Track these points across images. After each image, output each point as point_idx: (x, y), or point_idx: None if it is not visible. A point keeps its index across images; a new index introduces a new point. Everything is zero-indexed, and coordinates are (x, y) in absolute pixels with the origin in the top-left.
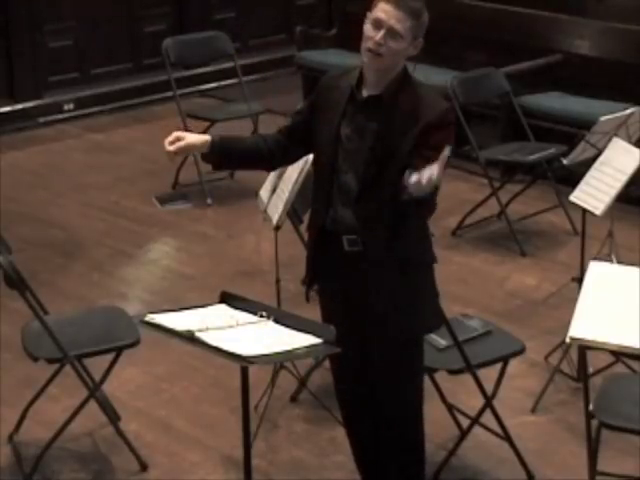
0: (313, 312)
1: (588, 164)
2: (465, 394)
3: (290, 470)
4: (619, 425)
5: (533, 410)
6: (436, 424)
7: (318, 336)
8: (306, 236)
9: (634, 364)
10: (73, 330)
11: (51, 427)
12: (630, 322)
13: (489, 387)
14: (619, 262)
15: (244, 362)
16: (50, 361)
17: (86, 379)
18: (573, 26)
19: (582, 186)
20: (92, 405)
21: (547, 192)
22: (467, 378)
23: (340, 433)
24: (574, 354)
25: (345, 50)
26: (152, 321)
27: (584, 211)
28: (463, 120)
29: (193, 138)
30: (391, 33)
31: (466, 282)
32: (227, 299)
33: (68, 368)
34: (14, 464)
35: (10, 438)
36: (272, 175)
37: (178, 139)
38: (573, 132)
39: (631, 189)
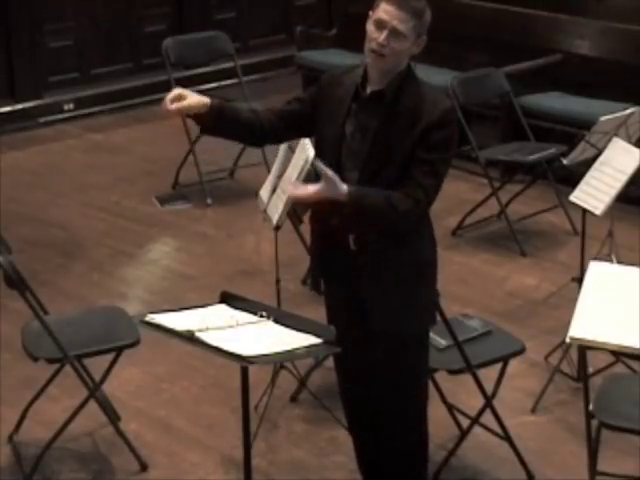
0: (313, 312)
1: (588, 164)
2: (465, 394)
3: (290, 470)
4: (619, 425)
5: (533, 410)
6: (436, 424)
7: (318, 336)
8: (308, 234)
9: (634, 364)
10: (73, 330)
11: (51, 427)
12: (630, 322)
13: (489, 387)
14: (619, 262)
15: (244, 362)
16: (50, 361)
17: (86, 379)
18: (573, 26)
19: (582, 186)
20: (92, 405)
21: (547, 192)
22: (467, 378)
23: (340, 433)
24: (574, 354)
25: (345, 50)
26: (152, 321)
27: (584, 211)
28: (463, 120)
29: (194, 99)
30: (394, 34)
31: (466, 282)
32: (227, 299)
33: (68, 368)
34: (14, 464)
35: (10, 438)
36: (272, 175)
37: (181, 97)
38: (573, 132)
39: (631, 189)
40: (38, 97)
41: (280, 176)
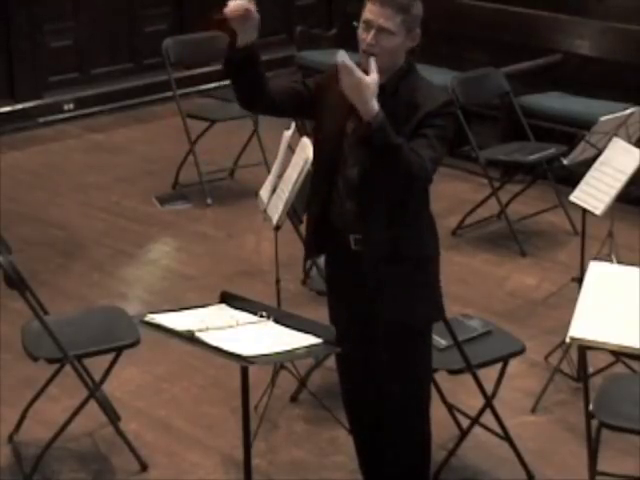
0: (313, 312)
1: (588, 164)
2: (465, 394)
3: (290, 470)
4: (619, 425)
5: (533, 410)
6: (436, 424)
7: (318, 336)
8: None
9: (634, 364)
10: (73, 330)
11: (51, 427)
12: (630, 322)
13: (489, 387)
14: (619, 262)
15: (244, 362)
16: (50, 361)
17: (86, 379)
18: (573, 26)
19: (582, 186)
20: (92, 405)
21: (547, 192)
22: (467, 378)
23: (340, 433)
24: (574, 354)
25: (345, 50)
26: (152, 321)
27: (584, 211)
28: (463, 120)
29: (251, 23)
30: (381, 32)
31: (466, 282)
32: (227, 299)
33: (68, 368)
34: (14, 464)
35: (10, 438)
36: (272, 175)
37: (246, 13)
38: (573, 132)
39: (631, 189)
40: (38, 97)
41: (280, 176)
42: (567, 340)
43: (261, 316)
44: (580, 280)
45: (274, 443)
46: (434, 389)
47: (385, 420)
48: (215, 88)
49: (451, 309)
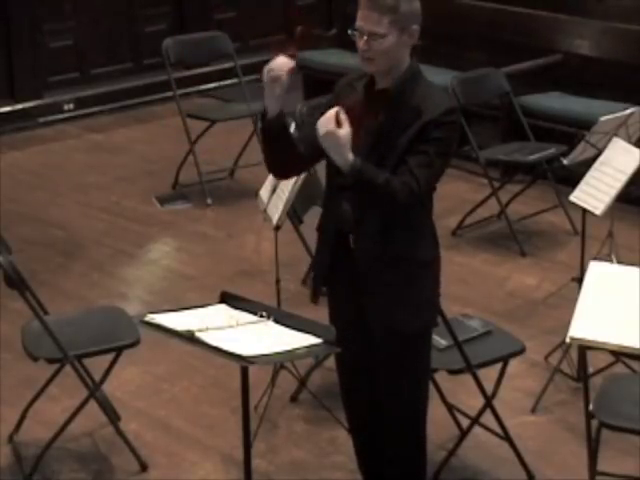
0: (313, 312)
1: (588, 164)
2: (465, 394)
3: (290, 470)
4: (619, 425)
5: (533, 410)
6: (436, 424)
7: (318, 336)
8: (308, 234)
9: (634, 364)
10: (73, 330)
11: (51, 427)
12: (630, 322)
13: (489, 387)
14: (619, 262)
15: (244, 362)
16: (50, 361)
17: (86, 379)
18: (573, 26)
19: (582, 186)
20: (92, 405)
21: (547, 192)
22: (467, 378)
23: (340, 433)
24: (574, 354)
25: (345, 50)
26: (152, 321)
27: (584, 211)
28: (463, 120)
29: (282, 87)
30: (372, 36)
31: (466, 282)
32: (227, 299)
33: (68, 368)
34: (14, 464)
35: (10, 438)
36: (272, 175)
37: (281, 75)
38: (573, 132)
39: (631, 189)
40: (38, 97)
41: None
42: (567, 340)
43: (261, 316)
44: (580, 280)
45: (274, 443)
46: (434, 389)
47: (383, 420)
48: (215, 88)
49: (451, 309)
